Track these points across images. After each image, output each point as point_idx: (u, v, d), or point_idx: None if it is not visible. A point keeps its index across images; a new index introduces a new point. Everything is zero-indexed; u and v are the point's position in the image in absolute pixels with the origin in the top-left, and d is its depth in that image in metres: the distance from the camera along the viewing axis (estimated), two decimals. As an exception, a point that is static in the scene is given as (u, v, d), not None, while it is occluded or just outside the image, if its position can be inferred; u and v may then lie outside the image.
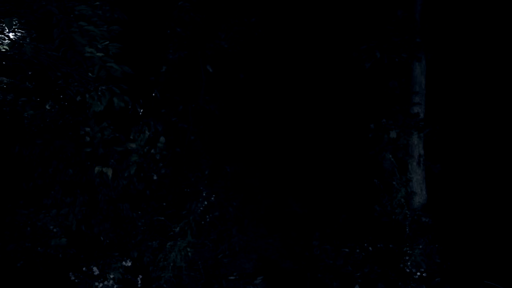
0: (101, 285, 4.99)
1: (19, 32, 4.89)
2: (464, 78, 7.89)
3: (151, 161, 6.98)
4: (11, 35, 4.87)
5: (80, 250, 5.80)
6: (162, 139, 7.19)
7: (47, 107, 6.39)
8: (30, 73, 6.13)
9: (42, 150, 6.05)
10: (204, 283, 5.91)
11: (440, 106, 7.30)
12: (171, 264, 5.62)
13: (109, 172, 5.98)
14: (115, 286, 5.12)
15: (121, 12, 4.92)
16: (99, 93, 4.99)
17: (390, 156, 6.38)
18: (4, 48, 4.86)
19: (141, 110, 7.26)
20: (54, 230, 5.77)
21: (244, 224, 7.34)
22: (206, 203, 6.42)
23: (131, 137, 6.44)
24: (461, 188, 7.30)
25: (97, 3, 4.66)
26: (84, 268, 5.07)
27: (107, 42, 4.65)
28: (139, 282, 5.39)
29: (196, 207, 6.42)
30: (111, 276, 5.09)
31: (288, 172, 8.70)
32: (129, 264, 5.30)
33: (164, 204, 6.56)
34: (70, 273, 5.06)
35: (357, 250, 5.90)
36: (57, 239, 5.70)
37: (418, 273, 5.42)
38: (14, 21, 4.62)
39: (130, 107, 5.80)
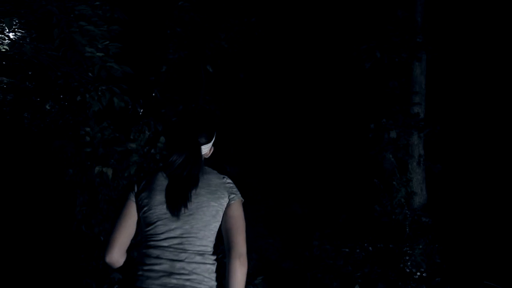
0: (101, 285, 5.00)
1: (19, 32, 4.90)
2: (465, 78, 7.89)
3: (151, 161, 6.97)
4: (11, 35, 4.87)
5: (80, 250, 5.80)
6: (162, 139, 7.18)
7: (47, 107, 6.39)
8: (30, 73, 6.13)
9: (42, 150, 6.05)
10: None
11: (440, 106, 7.31)
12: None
13: (109, 172, 5.98)
14: (115, 286, 5.12)
15: (121, 12, 4.91)
16: (99, 93, 4.98)
17: (390, 156, 6.38)
18: (4, 48, 4.86)
19: (141, 110, 7.26)
20: (54, 230, 5.77)
21: (244, 224, 7.32)
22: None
23: (131, 137, 6.43)
24: (461, 188, 7.30)
25: (97, 3, 4.65)
26: (84, 268, 5.07)
27: (107, 42, 4.65)
28: (139, 282, 5.38)
29: (196, 207, 6.41)
30: (112, 276, 5.09)
31: (288, 172, 8.70)
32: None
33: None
34: (70, 273, 5.06)
35: (357, 250, 5.90)
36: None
37: (418, 273, 5.42)
38: (14, 21, 4.62)
39: (130, 107, 5.80)
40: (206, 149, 2.00)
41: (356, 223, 6.72)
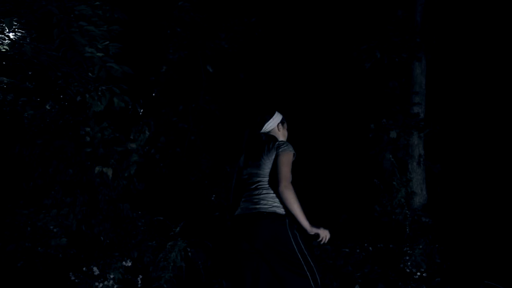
0: (101, 285, 5.00)
1: (19, 32, 4.90)
2: (464, 78, 7.89)
3: (151, 161, 6.98)
4: (11, 35, 4.87)
5: (80, 250, 5.80)
6: (162, 139, 7.18)
7: (47, 107, 6.38)
8: (30, 73, 6.13)
9: (42, 150, 6.05)
10: (204, 283, 5.92)
11: (440, 106, 7.31)
12: (171, 264, 5.62)
13: (109, 172, 5.97)
14: (115, 286, 5.12)
15: (121, 12, 4.91)
16: (99, 93, 4.98)
17: (390, 156, 6.38)
18: (4, 48, 4.86)
19: (141, 110, 7.26)
20: (54, 230, 5.76)
21: (244, 224, 7.31)
22: (206, 203, 6.42)
23: (131, 137, 6.43)
24: (461, 188, 7.30)
25: (97, 3, 4.65)
26: (84, 268, 5.07)
27: (107, 42, 4.65)
28: (139, 282, 5.39)
29: (196, 207, 6.42)
30: (111, 276, 5.09)
31: (288, 172, 8.67)
32: (129, 264, 5.30)
33: (164, 204, 6.56)
34: (70, 273, 5.06)
35: (357, 250, 5.90)
36: (57, 239, 5.70)
37: (418, 273, 5.42)
38: (14, 21, 4.62)
39: (130, 107, 5.79)
40: (270, 125, 3.08)
41: (356, 223, 6.72)
